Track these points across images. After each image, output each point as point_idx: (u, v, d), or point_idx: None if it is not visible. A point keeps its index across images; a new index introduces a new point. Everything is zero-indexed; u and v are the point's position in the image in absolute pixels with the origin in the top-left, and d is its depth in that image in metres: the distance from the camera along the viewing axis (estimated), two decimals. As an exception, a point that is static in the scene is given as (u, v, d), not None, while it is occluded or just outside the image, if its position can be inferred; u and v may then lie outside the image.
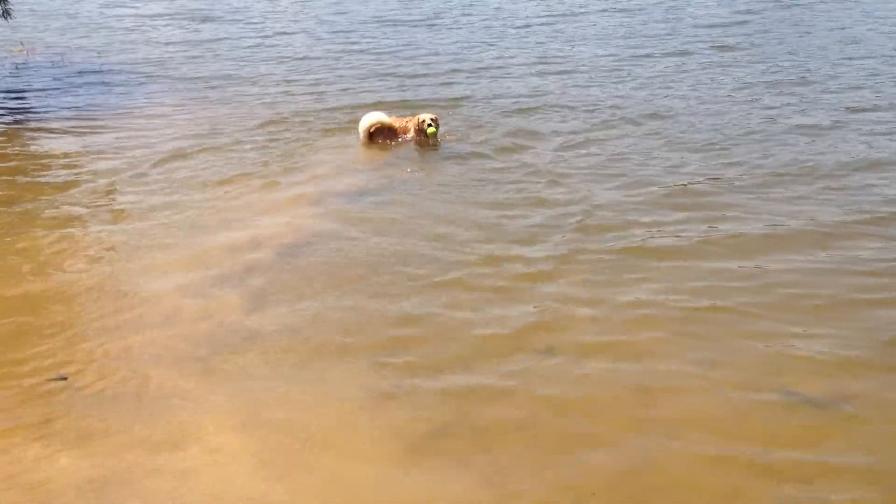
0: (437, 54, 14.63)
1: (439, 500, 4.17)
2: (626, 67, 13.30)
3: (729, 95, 11.56)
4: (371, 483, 4.29)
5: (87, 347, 5.57)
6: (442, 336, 5.68)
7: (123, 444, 4.60)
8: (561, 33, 16.37)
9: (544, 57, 14.24)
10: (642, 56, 14.07)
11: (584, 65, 13.60)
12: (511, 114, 10.94)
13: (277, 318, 5.90)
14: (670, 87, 12.01)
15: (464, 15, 18.53)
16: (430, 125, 9.64)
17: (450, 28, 17.17)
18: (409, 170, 9.15)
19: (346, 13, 19.13)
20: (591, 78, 12.79)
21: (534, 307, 6.02)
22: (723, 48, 14.37)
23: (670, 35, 15.72)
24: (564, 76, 12.93)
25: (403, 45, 15.46)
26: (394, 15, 18.73)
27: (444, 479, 4.31)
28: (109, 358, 5.45)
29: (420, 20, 18.09)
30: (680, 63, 13.51)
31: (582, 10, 18.69)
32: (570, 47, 15.05)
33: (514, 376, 5.24)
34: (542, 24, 17.30)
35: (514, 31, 16.65)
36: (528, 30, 16.79)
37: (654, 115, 10.64)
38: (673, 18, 17.35)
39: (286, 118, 10.95)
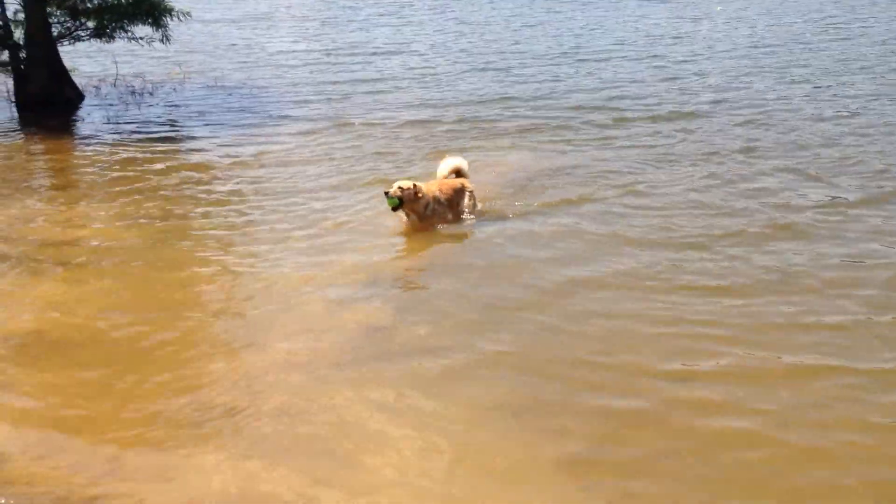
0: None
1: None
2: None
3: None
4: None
5: (232, 363, 5.70)
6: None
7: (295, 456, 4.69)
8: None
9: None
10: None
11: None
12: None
13: (422, 335, 6.01)
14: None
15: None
16: (386, 193, 7.73)
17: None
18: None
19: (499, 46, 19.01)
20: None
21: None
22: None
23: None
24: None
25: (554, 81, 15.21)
26: (548, 49, 18.65)
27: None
28: (257, 371, 5.57)
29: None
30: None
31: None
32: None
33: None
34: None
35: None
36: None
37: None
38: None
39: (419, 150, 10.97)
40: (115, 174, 10.37)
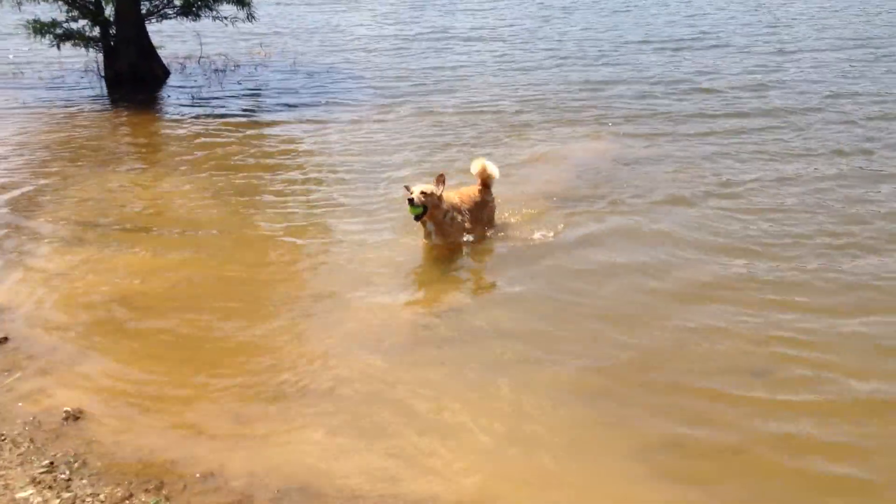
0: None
1: None
2: None
3: None
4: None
5: (308, 340, 5.75)
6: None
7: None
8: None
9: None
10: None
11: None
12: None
13: (497, 320, 5.98)
14: None
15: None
16: (410, 200, 6.80)
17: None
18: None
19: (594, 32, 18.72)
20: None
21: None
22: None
23: None
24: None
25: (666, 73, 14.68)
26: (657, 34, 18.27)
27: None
28: (333, 348, 5.60)
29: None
30: None
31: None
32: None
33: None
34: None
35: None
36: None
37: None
38: None
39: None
40: (198, 150, 10.55)
